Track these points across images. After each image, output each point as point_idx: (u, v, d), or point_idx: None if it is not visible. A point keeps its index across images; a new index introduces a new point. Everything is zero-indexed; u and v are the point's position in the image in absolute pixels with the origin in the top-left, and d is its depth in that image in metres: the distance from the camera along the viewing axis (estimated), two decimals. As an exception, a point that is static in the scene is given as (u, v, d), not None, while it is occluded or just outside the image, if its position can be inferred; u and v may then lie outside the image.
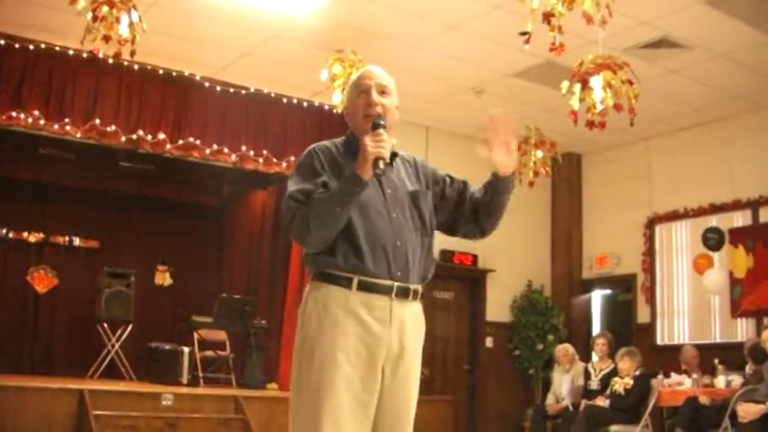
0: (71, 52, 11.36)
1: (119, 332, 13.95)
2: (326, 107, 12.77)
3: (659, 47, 11.15)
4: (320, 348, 3.66)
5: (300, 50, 11.41)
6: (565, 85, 8.73)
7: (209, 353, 13.57)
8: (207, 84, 12.54)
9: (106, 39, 8.47)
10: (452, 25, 10.73)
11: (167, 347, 13.13)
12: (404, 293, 3.75)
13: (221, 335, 13.76)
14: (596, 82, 8.46)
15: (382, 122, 3.79)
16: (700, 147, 14.11)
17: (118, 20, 8.43)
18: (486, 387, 15.00)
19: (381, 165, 3.63)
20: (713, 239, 13.26)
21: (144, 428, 10.17)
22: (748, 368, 10.89)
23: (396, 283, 3.72)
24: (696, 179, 13.99)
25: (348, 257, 3.68)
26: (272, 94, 13.06)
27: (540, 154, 11.62)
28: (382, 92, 4.00)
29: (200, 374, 13.00)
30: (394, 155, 4.01)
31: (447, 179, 4.20)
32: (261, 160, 12.98)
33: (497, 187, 4.01)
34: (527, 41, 7.88)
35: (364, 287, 3.67)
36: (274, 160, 13.05)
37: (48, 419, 9.82)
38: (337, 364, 3.62)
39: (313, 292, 3.78)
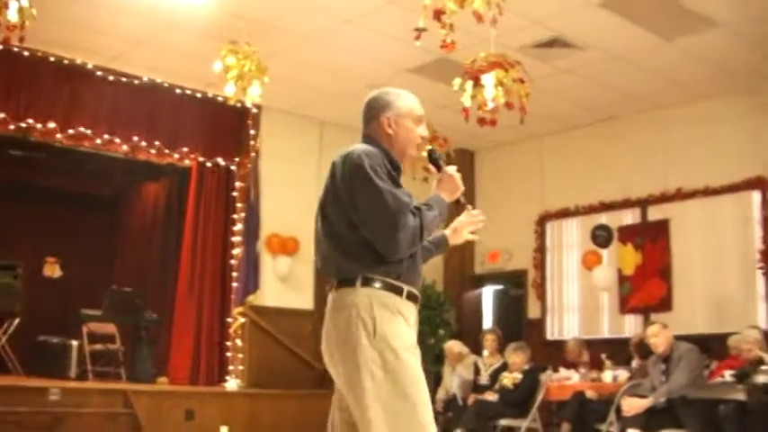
0: (-43, 37, 11.11)
1: (5, 325, 13.64)
2: (220, 98, 12.66)
3: (552, 46, 11.28)
4: (402, 345, 3.93)
5: (195, 41, 11.28)
6: (457, 81, 8.78)
7: (98, 346, 13.37)
8: (99, 72, 12.35)
9: (-6, 24, 8.29)
10: (347, 19, 10.71)
11: (55, 341, 12.91)
12: (418, 301, 4.17)
13: (111, 328, 13.59)
14: (488, 80, 8.52)
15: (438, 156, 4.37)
16: (591, 145, 14.32)
17: (6, 5, 8.24)
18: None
19: (462, 200, 4.25)
20: (602, 236, 13.48)
21: (30, 424, 10.00)
22: (634, 363, 11.10)
23: (419, 296, 4.16)
24: (587, 177, 14.18)
25: (404, 270, 4.02)
26: (166, 85, 12.92)
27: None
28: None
29: (90, 368, 12.81)
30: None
31: None
32: (153, 151, 12.88)
33: (439, 249, 4.66)
34: (417, 38, 7.89)
35: (410, 297, 4.04)
36: (167, 151, 12.96)
37: (-70, 415, 9.62)
38: (415, 355, 3.98)
39: (375, 295, 3.96)
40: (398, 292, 3.98)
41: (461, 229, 4.36)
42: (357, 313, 3.93)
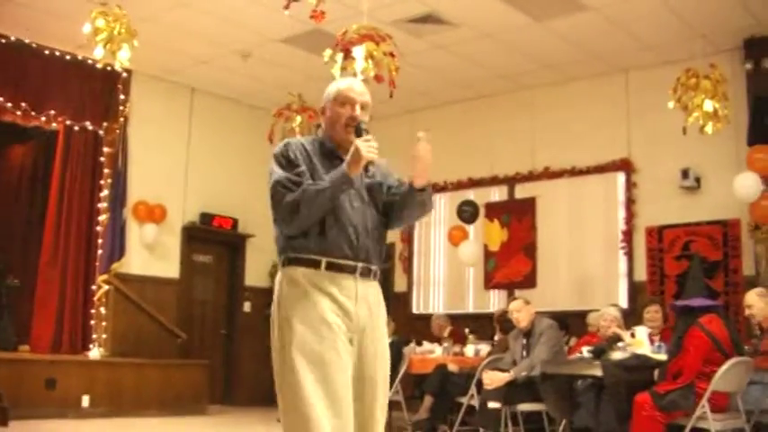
0: None
1: None
2: (89, 61, 12.41)
3: (426, 22, 11.34)
4: (300, 330, 4.03)
5: (65, 1, 11.05)
6: (327, 53, 8.76)
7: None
8: (-37, 30, 12.02)
9: None
10: (221, -14, 10.63)
11: None
12: (366, 273, 4.20)
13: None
14: (358, 52, 8.52)
15: (365, 127, 4.27)
16: (463, 122, 14.47)
17: None
18: (242, 351, 14.98)
19: (371, 170, 4.23)
20: (467, 212, 13.62)
21: None
22: (497, 337, 11.26)
23: (359, 264, 4.17)
24: (457, 154, 14.30)
25: (318, 242, 4.11)
26: (34, 45, 12.61)
27: (299, 119, 11.62)
28: (363, 108, 4.41)
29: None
30: None
31: (394, 181, 4.60)
32: (19, 113, 12.59)
33: (407, 197, 4.42)
34: (287, 7, 7.87)
35: (331, 267, 4.10)
36: (33, 113, 12.68)
37: None
38: (323, 342, 4.01)
39: (286, 275, 4.18)
40: (314, 265, 4.11)
41: (357, 157, 4.12)
42: (275, 292, 4.21)
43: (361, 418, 4.15)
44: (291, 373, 4.01)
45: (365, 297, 4.18)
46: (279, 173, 4.17)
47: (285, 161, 4.22)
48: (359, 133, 4.24)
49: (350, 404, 4.01)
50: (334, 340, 4.02)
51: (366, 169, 4.18)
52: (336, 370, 3.99)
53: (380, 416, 4.24)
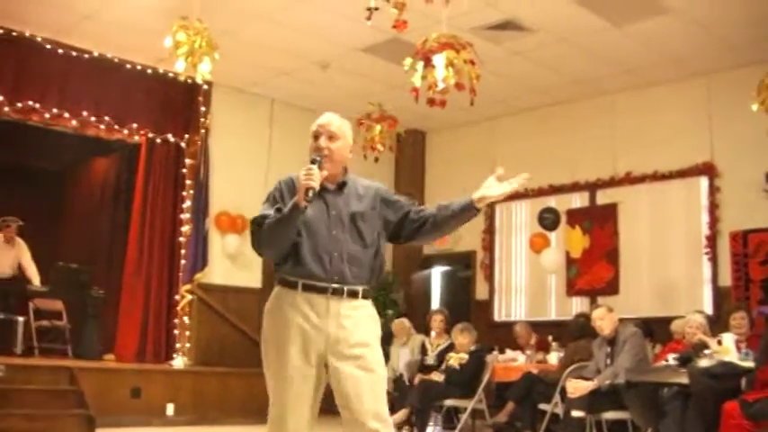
0: None
1: (-49, 301, 13.54)
2: (170, 75, 12.58)
3: (504, 29, 11.30)
4: (273, 337, 4.67)
5: (145, 16, 11.20)
6: (408, 62, 8.77)
7: (44, 322, 13.28)
8: (48, 46, 12.23)
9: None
10: (300, -2, 10.69)
11: (1, 317, 12.79)
12: (340, 293, 4.61)
13: (58, 304, 13.49)
14: (439, 60, 8.52)
15: (318, 159, 4.67)
16: (542, 128, 14.40)
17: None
18: (326, 360, 15.00)
19: (311, 194, 4.46)
20: (548, 219, 13.55)
21: (-25, 401, 9.94)
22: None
23: (332, 285, 4.60)
24: (537, 160, 14.21)
25: (295, 266, 4.60)
26: (116, 60, 12.82)
27: (378, 128, 11.63)
28: (330, 137, 4.85)
29: (36, 345, 12.74)
30: (343, 183, 4.89)
31: (398, 202, 5.07)
32: (102, 126, 12.79)
33: (465, 213, 4.90)
34: (369, 17, 7.89)
35: (306, 288, 4.58)
36: (116, 127, 12.88)
37: None
38: (287, 353, 4.59)
39: (274, 293, 4.73)
40: (293, 286, 4.62)
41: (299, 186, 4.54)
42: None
43: (354, 418, 4.76)
44: (273, 383, 4.69)
45: (336, 315, 4.59)
46: (260, 209, 4.70)
47: (272, 198, 4.75)
48: (311, 162, 4.64)
49: (298, 421, 4.71)
50: (295, 363, 4.59)
51: (306, 194, 4.44)
52: (288, 391, 4.62)
53: (372, 417, 4.75)
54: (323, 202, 4.70)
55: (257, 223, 4.63)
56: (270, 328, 4.72)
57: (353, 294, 4.68)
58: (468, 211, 4.85)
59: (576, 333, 10.64)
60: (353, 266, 4.68)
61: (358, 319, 4.69)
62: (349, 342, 4.61)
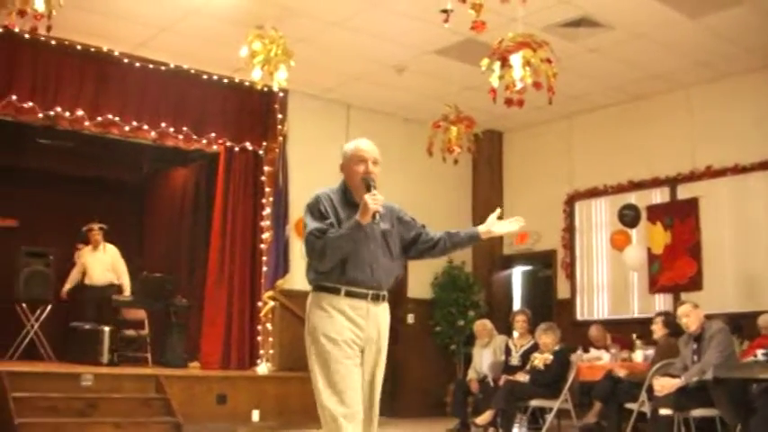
0: (-15, 27, 11.17)
1: (38, 312, 13.75)
2: (246, 84, 12.70)
3: (579, 25, 11.23)
4: (325, 335, 5.23)
5: (220, 26, 11.31)
6: (485, 62, 8.76)
7: (129, 332, 13.46)
8: (125, 60, 12.41)
9: (21, 13, 8.29)
10: (374, 3, 10.69)
11: (87, 327, 12.99)
12: (376, 298, 5.37)
13: (141, 314, 13.68)
14: (516, 60, 8.50)
15: (373, 183, 5.34)
16: (620, 124, 14.29)
17: (33, -6, 8.27)
18: (407, 363, 15.05)
19: (378, 217, 5.18)
20: (629, 216, 13.43)
21: (64, 410, 10.10)
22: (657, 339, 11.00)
23: (370, 292, 5.33)
24: (615, 157, 14.15)
25: (341, 275, 5.27)
26: (192, 71, 12.97)
27: (455, 130, 11.61)
28: (375, 163, 5.54)
29: (121, 354, 12.89)
30: None
31: (411, 222, 5.80)
32: (181, 137, 12.92)
33: (471, 242, 5.99)
34: (446, 20, 7.88)
35: (349, 294, 5.28)
36: (194, 137, 13.00)
37: (-35, 402, 9.71)
38: (339, 350, 5.22)
39: (315, 299, 5.36)
40: (336, 292, 5.28)
41: (366, 209, 5.19)
42: (307, 311, 5.41)
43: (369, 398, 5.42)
44: (315, 373, 5.26)
45: (375, 316, 5.38)
46: (311, 224, 5.29)
47: (317, 213, 5.35)
48: (368, 188, 5.28)
49: (356, 395, 5.23)
50: (347, 351, 5.23)
51: (374, 218, 5.15)
52: (346, 373, 5.20)
53: (377, 404, 5.49)
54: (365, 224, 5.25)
55: (315, 235, 5.24)
56: (319, 327, 5.27)
57: (384, 299, 5.46)
58: (475, 241, 5.97)
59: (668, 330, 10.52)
60: (385, 276, 5.43)
61: (386, 319, 5.48)
62: (379, 343, 5.41)
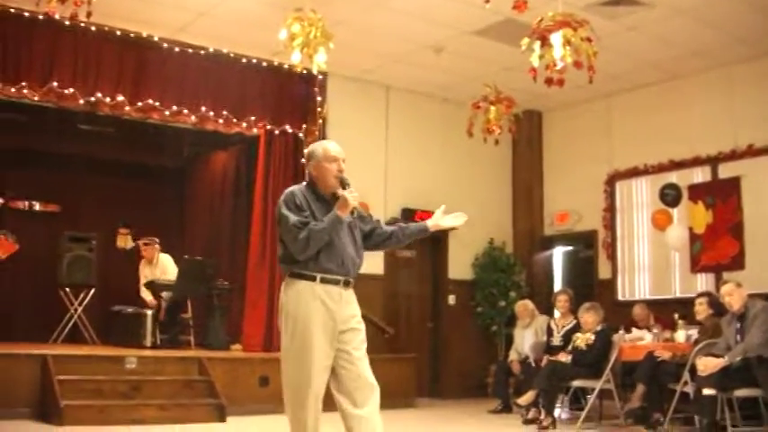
0: (26, 14, 11.23)
1: (81, 296, 13.89)
2: (286, 66, 12.72)
3: (619, 4, 11.16)
4: (300, 321, 5.73)
5: (259, 10, 11.35)
6: (525, 41, 8.74)
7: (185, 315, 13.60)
8: (165, 44, 12.46)
9: (62, 0, 8.36)
10: (412, -17, 10.69)
11: (130, 310, 13.12)
12: (347, 284, 5.89)
13: (184, 297, 13.74)
14: (556, 39, 8.47)
15: (349, 182, 5.90)
16: (660, 103, 14.19)
17: (73, -19, 8.33)
18: (449, 344, 15.09)
19: (355, 212, 5.94)
20: (670, 195, 13.38)
21: (108, 392, 10.20)
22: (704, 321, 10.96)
23: (342, 278, 5.85)
24: (656, 136, 14.06)
25: (316, 263, 5.78)
26: (231, 55, 13.00)
27: (493, 110, 11.59)
28: (343, 161, 6.04)
29: (164, 337, 12.99)
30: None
31: (367, 217, 6.28)
32: (221, 121, 12.95)
33: (420, 234, 6.45)
34: (488, 0, 7.86)
35: (324, 281, 5.78)
36: (234, 120, 13.02)
37: (11, 385, 9.83)
38: (311, 331, 5.71)
39: (292, 285, 5.83)
40: (312, 279, 5.77)
41: (345, 204, 5.81)
42: (282, 294, 5.89)
43: (354, 371, 5.93)
44: (287, 351, 5.80)
45: (346, 299, 5.87)
46: (292, 216, 5.74)
47: (293, 206, 5.82)
48: (345, 185, 5.88)
49: (321, 375, 5.76)
50: (319, 334, 5.69)
51: (352, 212, 5.86)
52: (322, 356, 5.71)
53: (366, 364, 6.01)
54: (327, 213, 5.83)
55: (298, 227, 5.70)
56: (295, 311, 5.76)
57: (352, 284, 5.95)
58: (424, 233, 6.44)
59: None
60: (353, 265, 5.94)
61: (355, 301, 5.99)
62: (353, 317, 5.89)
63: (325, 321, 5.74)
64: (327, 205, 5.90)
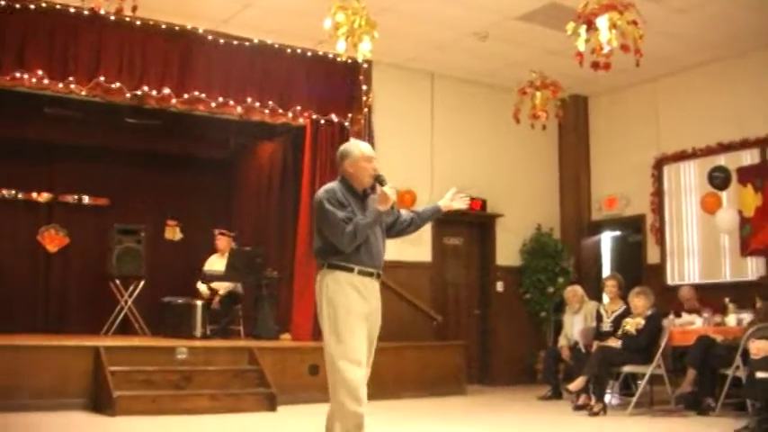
0: (72, 10, 11.35)
1: (131, 288, 14.03)
2: (331, 56, 12.74)
3: (664, -14, 11.09)
4: (341, 308, 6.15)
5: (304, 1, 11.34)
6: (570, 26, 8.69)
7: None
8: (210, 37, 12.52)
9: (108, -5, 8.43)
10: (455, -30, 10.67)
11: (180, 301, 13.20)
12: (378, 276, 6.34)
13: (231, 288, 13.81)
14: (602, 23, 8.42)
15: (384, 178, 6.28)
16: (706, 86, 14.07)
17: (117, -24, 8.38)
18: (497, 331, 15.08)
19: (394, 208, 6.44)
20: (719, 178, 13.24)
21: (160, 382, 10.30)
22: (758, 305, 10.87)
23: (375, 271, 6.30)
24: (703, 119, 13.95)
25: (353, 255, 6.19)
26: (276, 45, 13.04)
27: (539, 95, 11.55)
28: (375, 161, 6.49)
29: (214, 327, 13.07)
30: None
31: (389, 211, 6.51)
32: (267, 111, 13.00)
33: (434, 216, 6.89)
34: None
35: (361, 273, 6.21)
36: (280, 111, 13.06)
37: (65, 377, 9.97)
38: (352, 316, 6.17)
39: (330, 275, 6.23)
40: (350, 270, 6.19)
41: (386, 200, 6.21)
42: (322, 287, 6.25)
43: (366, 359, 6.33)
44: (329, 336, 6.16)
45: (375, 291, 6.33)
46: (337, 212, 6.12)
47: (336, 202, 6.18)
48: (382, 182, 6.23)
49: (362, 355, 6.17)
50: (357, 320, 6.14)
51: (392, 207, 6.33)
52: (355, 337, 6.13)
53: (371, 359, 6.40)
54: (365, 210, 6.27)
55: (345, 222, 6.10)
56: (335, 298, 6.15)
57: (381, 276, 6.38)
58: (438, 214, 6.83)
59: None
60: (380, 257, 6.37)
61: (379, 293, 6.39)
62: (378, 311, 6.35)
63: (361, 309, 6.18)
64: (361, 201, 6.34)
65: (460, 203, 6.82)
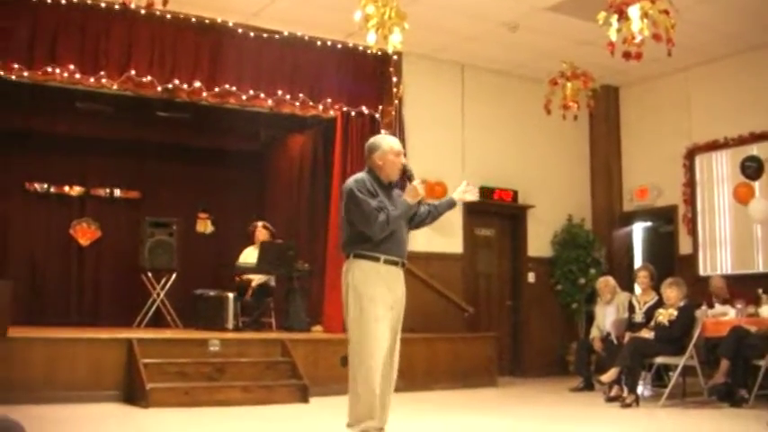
0: (103, 5, 11.43)
1: (163, 281, 14.11)
2: (361, 48, 12.74)
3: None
4: (367, 297, 6.48)
5: (334, -7, 11.38)
6: (602, 16, 8.66)
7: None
8: (240, 30, 12.55)
9: (138, -11, 8.47)
10: (485, -40, 10.64)
11: (212, 294, 13.25)
12: (403, 266, 6.73)
13: (263, 279, 13.84)
14: (634, 12, 8.38)
15: (413, 172, 6.77)
16: (738, 75, 13.99)
17: (149, -30, 8.42)
18: (529, 322, 15.07)
19: (421, 202, 6.81)
20: (751, 168, 13.16)
21: (193, 374, 10.33)
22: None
23: (400, 260, 6.68)
24: (735, 108, 13.86)
25: (380, 245, 6.52)
26: (306, 38, 13.06)
27: (569, 86, 11.52)
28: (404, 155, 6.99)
29: (246, 319, 13.11)
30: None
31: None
32: (297, 104, 13.02)
33: (450, 208, 7.21)
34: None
35: (387, 262, 6.56)
36: (311, 103, 13.08)
37: (98, 369, 10.02)
38: (376, 304, 6.51)
39: (357, 265, 6.55)
40: (376, 260, 6.53)
41: (416, 194, 6.62)
42: (349, 275, 6.59)
43: (392, 347, 6.70)
44: (354, 323, 6.54)
45: (401, 280, 6.72)
46: (370, 201, 6.45)
47: (367, 192, 6.50)
48: (411, 177, 6.66)
49: (384, 343, 6.54)
50: (383, 310, 6.52)
51: (419, 201, 6.73)
52: (382, 327, 6.52)
53: (398, 347, 6.78)
54: (391, 201, 6.63)
55: (377, 210, 6.41)
56: (363, 288, 6.49)
57: (405, 265, 6.77)
58: (452, 206, 7.21)
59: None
60: (406, 248, 6.77)
61: (404, 281, 6.79)
62: (402, 300, 6.75)
63: (386, 297, 6.54)
64: (388, 192, 6.70)
65: (472, 196, 7.14)
